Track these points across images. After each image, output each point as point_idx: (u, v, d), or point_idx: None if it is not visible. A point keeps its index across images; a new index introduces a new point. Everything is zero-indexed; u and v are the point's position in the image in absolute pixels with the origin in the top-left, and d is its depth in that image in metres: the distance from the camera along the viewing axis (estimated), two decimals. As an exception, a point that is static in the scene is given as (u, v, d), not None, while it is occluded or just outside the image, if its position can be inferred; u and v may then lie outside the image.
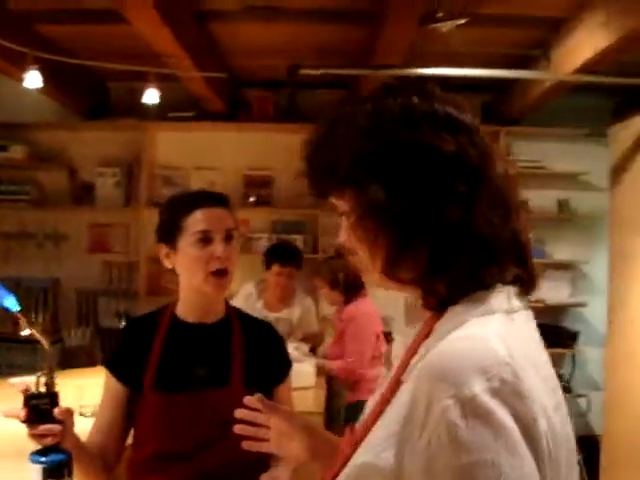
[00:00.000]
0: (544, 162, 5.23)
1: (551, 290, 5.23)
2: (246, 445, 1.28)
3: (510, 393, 0.76)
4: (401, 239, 0.87)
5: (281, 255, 4.02)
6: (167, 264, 1.67)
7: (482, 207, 0.87)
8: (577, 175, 5.31)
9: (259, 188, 5.26)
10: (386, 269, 0.91)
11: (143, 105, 4.59)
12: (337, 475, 0.91)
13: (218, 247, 1.60)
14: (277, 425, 1.25)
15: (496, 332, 0.82)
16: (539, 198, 5.24)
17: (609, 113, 5.03)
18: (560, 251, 5.30)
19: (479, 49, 3.75)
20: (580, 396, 5.26)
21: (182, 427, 1.58)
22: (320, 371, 3.74)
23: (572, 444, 0.85)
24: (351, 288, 3.84)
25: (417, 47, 3.60)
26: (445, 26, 2.98)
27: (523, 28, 3.69)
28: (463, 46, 3.24)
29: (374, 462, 0.82)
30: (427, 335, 0.89)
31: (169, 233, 1.64)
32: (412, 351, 0.90)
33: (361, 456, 0.86)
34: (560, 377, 5.13)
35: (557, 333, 5.16)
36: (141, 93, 4.41)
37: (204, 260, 1.60)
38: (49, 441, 1.35)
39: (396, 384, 0.89)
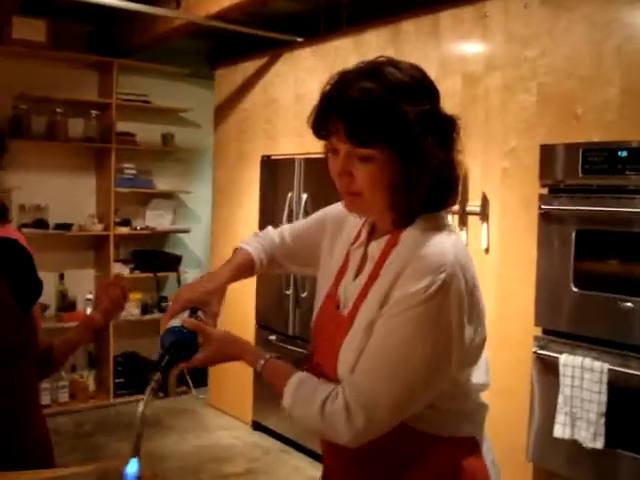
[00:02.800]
0: (150, 97, 5.49)
1: (157, 218, 5.60)
2: None
3: (458, 279, 1.19)
4: (409, 182, 1.22)
5: None
6: None
7: (453, 152, 1.26)
8: (180, 111, 5.71)
9: None
10: (389, 203, 1.25)
11: None
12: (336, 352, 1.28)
13: None
14: None
15: (446, 239, 1.24)
16: (145, 131, 5.54)
17: (206, 56, 5.52)
18: (165, 182, 5.68)
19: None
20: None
21: None
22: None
23: None
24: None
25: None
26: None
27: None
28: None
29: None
30: (395, 243, 1.27)
31: None
32: (385, 254, 1.26)
33: (362, 320, 1.25)
34: (163, 298, 5.58)
35: (163, 258, 5.57)
36: None
37: None
38: None
39: (375, 275, 1.26)
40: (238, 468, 4.14)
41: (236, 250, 1.60)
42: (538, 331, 2.96)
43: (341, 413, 1.21)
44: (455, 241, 1.26)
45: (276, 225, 1.69)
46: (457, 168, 1.27)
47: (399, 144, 1.19)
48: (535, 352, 2.91)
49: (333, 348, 1.31)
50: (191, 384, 5.56)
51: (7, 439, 1.62)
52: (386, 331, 1.21)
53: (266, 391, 4.55)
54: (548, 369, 2.87)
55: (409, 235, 1.26)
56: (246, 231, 4.71)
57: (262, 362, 1.36)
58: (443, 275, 1.17)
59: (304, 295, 4.26)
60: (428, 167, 1.21)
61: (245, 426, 4.81)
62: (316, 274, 1.57)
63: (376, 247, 1.32)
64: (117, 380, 5.32)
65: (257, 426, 4.73)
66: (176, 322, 1.39)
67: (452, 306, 1.18)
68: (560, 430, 2.77)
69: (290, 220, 4.16)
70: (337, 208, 1.44)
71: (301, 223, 1.64)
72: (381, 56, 1.27)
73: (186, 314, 1.41)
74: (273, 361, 1.37)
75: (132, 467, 1.27)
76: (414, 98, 1.20)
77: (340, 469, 1.42)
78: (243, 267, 1.57)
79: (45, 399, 4.94)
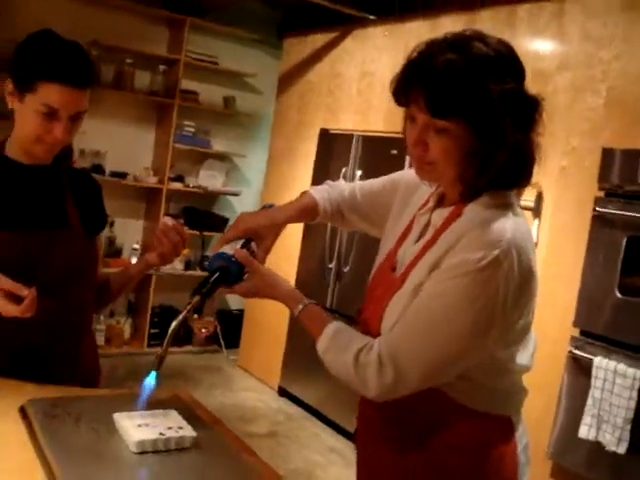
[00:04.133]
0: (217, 59, 5.57)
1: (209, 178, 5.69)
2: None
3: (512, 259, 1.21)
4: (482, 158, 1.24)
5: None
6: (8, 100, 1.61)
7: (532, 134, 1.26)
8: (245, 76, 5.78)
9: None
10: (459, 176, 1.28)
11: None
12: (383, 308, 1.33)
13: (59, 128, 1.57)
14: None
15: (509, 219, 1.26)
16: (208, 92, 5.62)
17: (276, 24, 5.57)
18: (221, 143, 5.76)
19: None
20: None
21: (28, 268, 1.59)
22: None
23: None
24: None
25: None
26: None
27: None
28: None
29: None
30: (459, 215, 1.30)
31: (19, 79, 1.56)
32: (447, 223, 1.31)
33: (411, 282, 1.29)
34: (206, 257, 5.68)
35: (211, 218, 5.67)
36: None
37: (42, 132, 1.58)
38: None
39: (433, 242, 1.31)
40: (261, 429, 4.24)
41: (303, 193, 1.62)
42: (575, 332, 2.97)
43: (373, 366, 1.25)
44: (518, 222, 1.28)
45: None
46: (534, 150, 1.28)
47: (477, 120, 1.21)
48: (570, 352, 2.93)
49: (381, 307, 1.35)
50: (223, 344, 5.69)
51: (61, 355, 1.73)
52: (431, 294, 1.25)
53: (295, 359, 4.65)
54: (581, 370, 2.89)
55: (473, 209, 1.29)
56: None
57: (301, 306, 1.41)
58: (497, 252, 1.20)
59: (346, 270, 4.31)
60: (503, 146, 1.22)
61: (271, 391, 4.92)
62: (379, 235, 1.61)
63: (440, 215, 1.36)
64: (152, 330, 5.46)
65: (283, 392, 4.83)
66: (228, 249, 1.42)
67: (500, 283, 1.20)
68: (585, 431, 2.79)
69: (341, 194, 4.21)
70: (412, 174, 1.45)
71: (374, 181, 1.65)
72: (470, 29, 1.28)
73: (240, 243, 1.44)
74: (312, 307, 1.42)
75: (151, 379, 1.35)
76: (498, 74, 1.21)
77: (372, 424, 1.47)
78: (306, 211, 1.60)
79: (82, 339, 5.11)
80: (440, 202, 1.40)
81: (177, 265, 5.48)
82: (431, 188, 1.44)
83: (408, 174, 1.55)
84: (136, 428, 1.31)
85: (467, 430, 1.34)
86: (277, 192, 5.12)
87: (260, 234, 1.49)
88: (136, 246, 5.33)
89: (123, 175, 5.21)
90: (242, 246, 1.44)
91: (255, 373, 5.20)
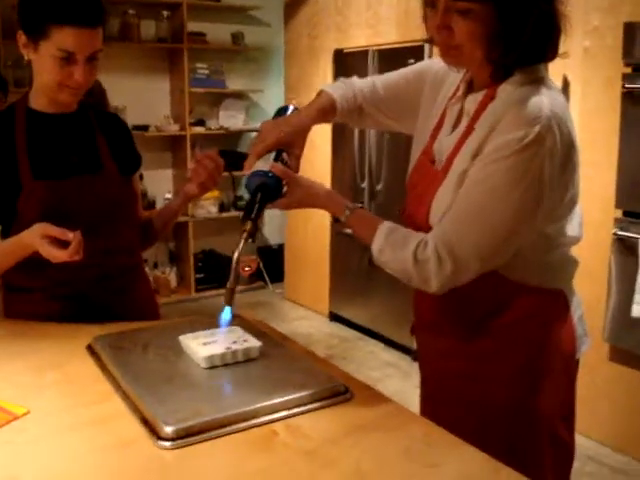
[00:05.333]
0: (219, -4, 5.47)
1: (230, 118, 5.68)
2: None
3: (553, 132, 1.19)
4: (507, 34, 1.21)
5: None
6: (24, 53, 1.61)
7: (555, 3, 1.23)
8: (250, 9, 5.68)
9: None
10: (487, 56, 1.25)
11: None
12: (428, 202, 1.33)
13: (79, 70, 1.57)
14: None
15: (543, 93, 1.24)
16: (216, 31, 5.55)
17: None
18: (236, 82, 5.71)
19: None
20: (257, 212, 5.94)
21: (69, 214, 1.62)
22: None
23: None
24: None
25: None
26: None
27: None
28: None
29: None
30: (492, 97, 1.28)
31: (31, 28, 1.55)
32: (481, 108, 1.29)
33: (455, 172, 1.30)
34: (239, 198, 5.72)
35: (237, 157, 5.66)
36: None
37: (62, 78, 1.58)
38: None
39: (470, 129, 1.28)
40: (317, 354, 4.32)
41: (320, 93, 1.58)
42: (618, 213, 2.94)
43: (432, 261, 1.26)
44: (553, 95, 1.26)
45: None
46: (558, 19, 1.25)
47: None
48: (615, 234, 2.91)
49: (425, 202, 1.36)
50: (268, 280, 5.77)
51: (115, 295, 1.78)
52: (477, 179, 1.25)
53: (341, 283, 4.71)
54: (627, 250, 2.88)
55: (506, 89, 1.28)
56: (319, 127, 4.75)
57: (348, 212, 1.41)
58: (538, 127, 1.19)
59: (379, 187, 4.31)
60: (527, 19, 1.20)
61: (322, 317, 5.00)
62: (405, 130, 1.60)
63: (473, 101, 1.34)
64: (197, 275, 5.56)
65: (333, 317, 4.91)
66: (261, 164, 1.40)
67: (545, 159, 1.20)
68: (638, 310, 2.79)
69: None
70: (439, 64, 1.43)
71: (394, 74, 1.62)
72: None
73: (272, 156, 1.42)
74: (360, 210, 1.42)
75: (226, 314, 1.38)
76: None
77: (430, 317, 1.50)
78: (326, 110, 1.55)
79: (131, 293, 5.24)
80: (470, 88, 1.38)
81: (211, 209, 5.53)
82: (459, 76, 1.42)
83: (434, 65, 1.52)
84: (202, 346, 1.35)
85: (523, 308, 1.36)
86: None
87: (289, 143, 1.46)
88: (168, 195, 5.37)
89: (145, 127, 5.21)
90: (275, 159, 1.43)
91: (304, 302, 5.28)
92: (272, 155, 1.43)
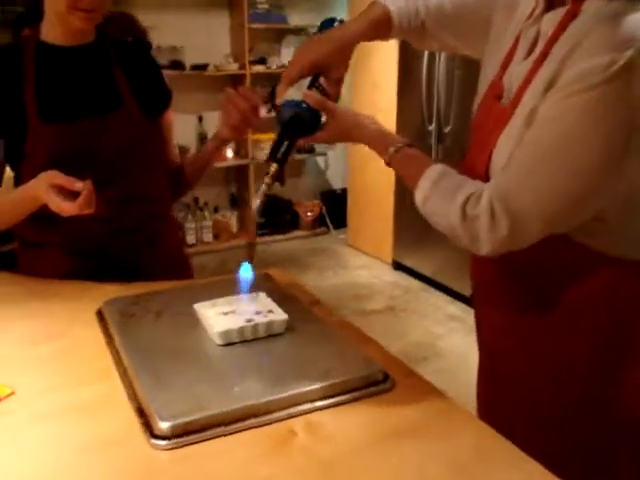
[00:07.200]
0: None
1: (292, 55, 5.40)
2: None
3: None
4: None
5: None
6: None
7: None
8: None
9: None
10: None
11: None
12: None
13: None
14: None
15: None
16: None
17: None
18: (298, 17, 5.42)
19: None
20: (320, 155, 5.73)
21: (82, 160, 1.45)
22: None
23: None
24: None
25: None
26: None
27: None
28: None
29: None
30: (575, 14, 1.00)
31: None
32: (561, 28, 1.01)
33: (524, 109, 1.03)
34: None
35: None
36: None
37: None
38: None
39: (546, 54, 1.02)
40: (378, 305, 4.13)
41: (373, 4, 1.29)
42: None
43: (484, 217, 1.02)
44: None
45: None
46: None
47: None
48: None
49: (488, 145, 1.10)
50: (331, 225, 5.57)
51: (138, 248, 1.60)
52: (548, 119, 0.99)
53: (406, 230, 4.45)
54: None
55: (593, 3, 1.00)
56: (385, 61, 4.46)
57: (392, 150, 1.18)
58: (630, 52, 0.91)
59: (447, 130, 4.00)
60: None
61: (385, 265, 4.77)
62: (473, 54, 1.32)
63: (551, 20, 1.05)
64: (258, 220, 5.39)
65: (397, 265, 4.68)
66: (294, 93, 1.17)
67: (636, 93, 0.93)
68: None
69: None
70: None
71: None
72: None
73: (306, 82, 1.19)
74: (407, 149, 1.18)
75: (246, 271, 1.19)
76: None
77: (488, 282, 1.26)
78: (378, 24, 1.26)
79: (190, 239, 5.15)
80: (550, 5, 1.09)
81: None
82: None
83: None
84: (220, 317, 1.15)
85: (598, 281, 1.09)
86: (364, 57, 4.78)
87: (327, 64, 1.20)
88: (228, 137, 5.19)
89: (204, 67, 5.01)
90: (310, 85, 1.19)
91: (366, 250, 5.06)
92: (307, 81, 1.19)
